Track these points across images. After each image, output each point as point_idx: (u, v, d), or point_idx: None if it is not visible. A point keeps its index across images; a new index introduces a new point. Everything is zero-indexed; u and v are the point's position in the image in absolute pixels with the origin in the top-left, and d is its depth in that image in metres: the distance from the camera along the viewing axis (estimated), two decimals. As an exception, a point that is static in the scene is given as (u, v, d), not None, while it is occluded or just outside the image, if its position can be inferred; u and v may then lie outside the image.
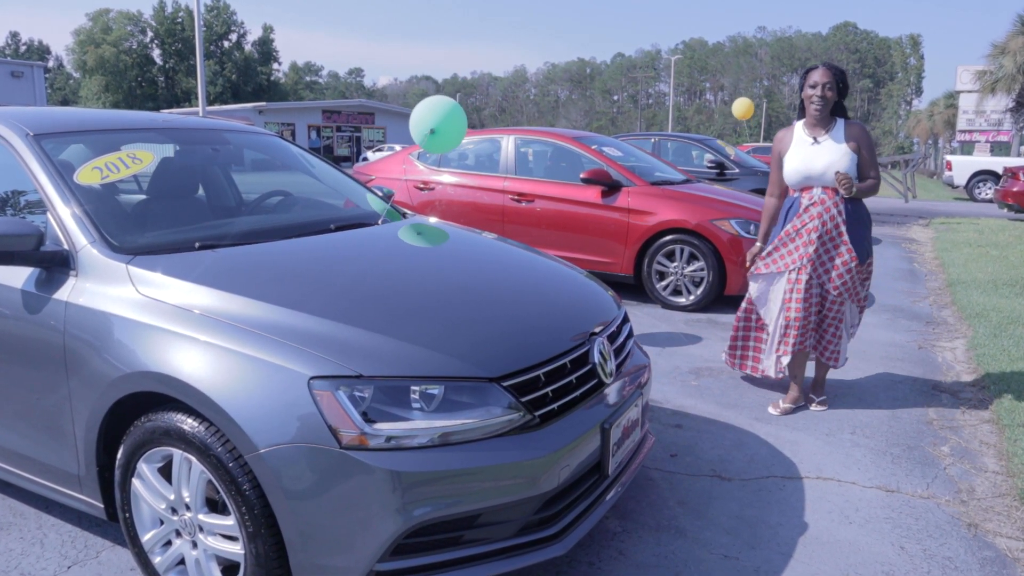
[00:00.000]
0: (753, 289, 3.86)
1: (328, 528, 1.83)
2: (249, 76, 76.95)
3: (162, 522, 2.15)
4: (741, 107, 14.85)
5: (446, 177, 6.80)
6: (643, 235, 6.03)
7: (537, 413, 2.04)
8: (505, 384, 2.00)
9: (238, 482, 1.87)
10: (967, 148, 31.70)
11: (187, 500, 2.05)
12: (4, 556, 2.42)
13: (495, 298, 2.42)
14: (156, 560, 2.17)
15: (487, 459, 1.90)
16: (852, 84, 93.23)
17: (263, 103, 45.85)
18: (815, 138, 3.57)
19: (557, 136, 6.83)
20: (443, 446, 1.88)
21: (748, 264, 3.88)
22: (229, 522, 1.96)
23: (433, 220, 3.47)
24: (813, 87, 3.52)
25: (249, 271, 2.28)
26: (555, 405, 2.11)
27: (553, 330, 2.30)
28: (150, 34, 76.28)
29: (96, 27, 72.51)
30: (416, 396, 1.90)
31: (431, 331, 2.07)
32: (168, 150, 3.14)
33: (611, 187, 6.16)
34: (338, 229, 2.88)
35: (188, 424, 1.95)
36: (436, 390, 1.92)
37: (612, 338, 2.54)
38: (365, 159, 33.05)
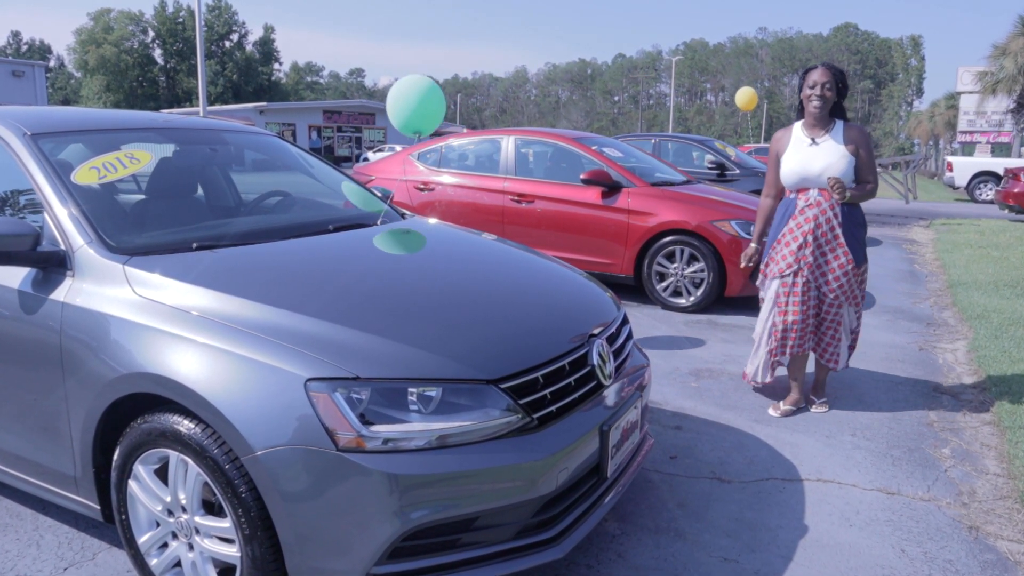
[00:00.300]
0: (762, 292, 3.83)
1: (325, 531, 1.82)
2: (250, 76, 77.00)
3: (158, 524, 2.14)
4: (744, 97, 14.81)
5: (446, 178, 6.79)
6: (643, 236, 6.02)
7: (535, 415, 2.03)
8: (503, 386, 1.99)
9: (234, 484, 1.86)
10: (968, 149, 31.67)
11: (183, 502, 2.04)
12: (0, 558, 2.41)
13: (493, 299, 2.41)
14: (152, 562, 2.16)
15: (485, 462, 1.89)
16: (853, 85, 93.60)
17: (264, 103, 45.88)
18: (813, 139, 3.55)
19: (557, 137, 6.82)
20: (441, 448, 1.87)
21: (742, 264, 3.86)
22: (225, 524, 1.95)
23: (432, 221, 3.46)
24: (812, 87, 3.50)
25: (246, 272, 2.27)
26: (553, 407, 2.09)
27: (552, 332, 2.29)
28: (151, 34, 76.39)
29: (97, 27, 72.57)
30: (413, 398, 1.89)
31: (429, 333, 2.06)
32: (167, 150, 3.13)
33: (611, 188, 6.15)
34: (336, 230, 2.87)
35: (184, 426, 1.94)
36: (434, 392, 1.91)
37: (611, 340, 2.53)
38: (366, 159, 33.05)
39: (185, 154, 3.27)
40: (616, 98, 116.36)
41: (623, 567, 2.39)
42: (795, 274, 3.60)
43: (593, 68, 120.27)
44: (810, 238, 3.55)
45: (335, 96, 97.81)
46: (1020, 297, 6.51)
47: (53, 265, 2.25)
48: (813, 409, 3.79)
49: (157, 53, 77.04)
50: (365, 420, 1.83)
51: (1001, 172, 17.78)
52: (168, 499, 2.07)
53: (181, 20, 74.95)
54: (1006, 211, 14.64)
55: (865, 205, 3.72)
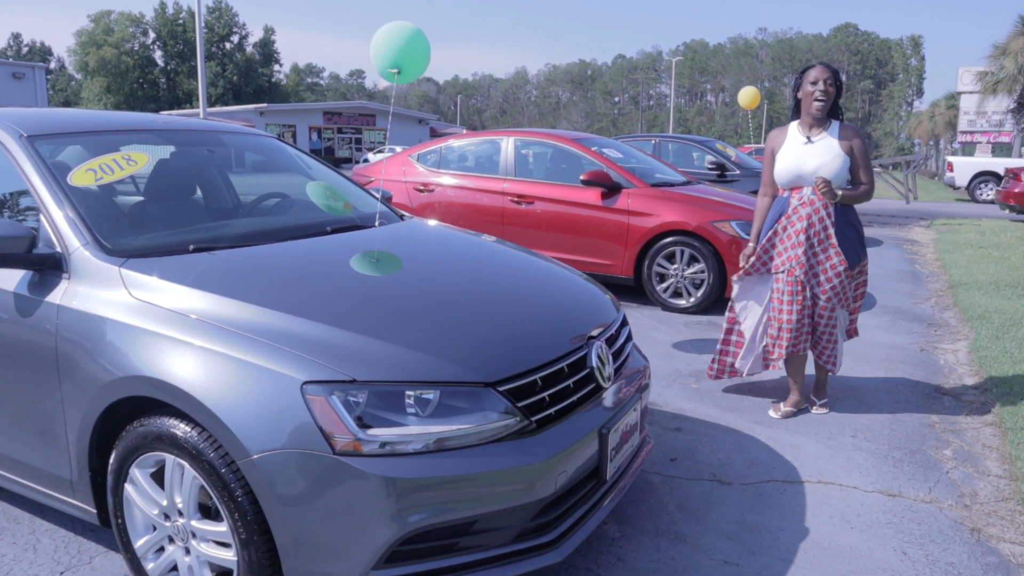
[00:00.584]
0: (736, 289, 3.82)
1: (322, 535, 1.81)
2: (250, 78, 77.05)
3: (155, 528, 2.13)
4: (747, 96, 14.77)
5: (446, 179, 6.78)
6: (643, 237, 6.00)
7: (534, 418, 2.01)
8: (501, 389, 1.97)
9: (231, 488, 1.85)
10: (968, 149, 31.65)
11: (180, 506, 2.03)
12: (-4, 562, 2.40)
13: (492, 301, 2.40)
14: (149, 566, 2.15)
15: (483, 465, 1.87)
16: (853, 85, 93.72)
17: (264, 104, 45.93)
18: (809, 137, 3.54)
19: (557, 138, 6.81)
20: (438, 452, 1.86)
21: (741, 264, 3.82)
22: (222, 528, 1.93)
23: (430, 222, 3.44)
24: (814, 83, 3.49)
25: (243, 274, 2.26)
26: (552, 410, 2.08)
27: (550, 333, 2.27)
28: (152, 35, 76.43)
29: (98, 28, 72.63)
30: (411, 401, 1.88)
31: (427, 335, 2.05)
32: (164, 152, 3.12)
33: (611, 189, 6.14)
34: (334, 232, 2.86)
35: (180, 429, 1.92)
36: (431, 395, 1.90)
37: (610, 341, 2.52)
38: (366, 160, 33.06)
39: (183, 156, 3.26)
40: (616, 99, 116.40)
41: (623, 570, 2.38)
42: (787, 272, 3.59)
43: (593, 69, 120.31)
44: (803, 237, 3.53)
45: (335, 97, 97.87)
46: (1021, 297, 6.49)
47: (49, 267, 2.24)
48: (814, 411, 3.77)
49: (157, 55, 77.11)
50: (362, 423, 1.82)
51: (1002, 172, 17.75)
52: (164, 503, 2.06)
53: (181, 22, 75.00)
54: (1007, 211, 14.62)
55: (866, 205, 3.71)
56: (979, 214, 15.87)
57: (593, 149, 6.58)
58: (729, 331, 3.90)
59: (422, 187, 6.83)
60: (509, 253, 3.02)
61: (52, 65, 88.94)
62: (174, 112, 41.93)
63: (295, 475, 1.79)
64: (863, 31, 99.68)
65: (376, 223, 3.09)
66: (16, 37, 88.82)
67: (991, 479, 3.07)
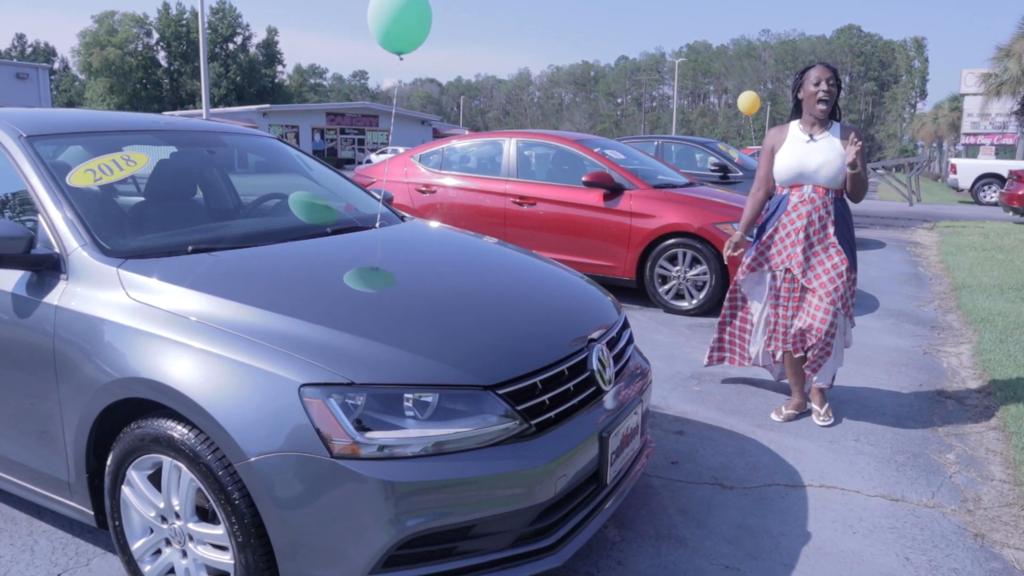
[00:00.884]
0: (742, 286, 3.82)
1: (319, 538, 1.79)
2: (253, 78, 77.18)
3: (152, 530, 2.12)
4: (747, 101, 14.77)
5: (448, 180, 6.77)
6: (645, 239, 5.99)
7: (533, 421, 2.00)
8: (501, 392, 1.96)
9: (227, 491, 1.84)
10: (972, 151, 31.61)
11: (177, 508, 2.01)
12: (-7, 563, 2.39)
13: (492, 303, 2.38)
14: (146, 569, 2.14)
15: (482, 469, 1.86)
16: (856, 87, 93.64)
17: (267, 105, 46.02)
18: (811, 136, 3.53)
19: (559, 139, 6.79)
20: (437, 455, 1.84)
21: (726, 252, 3.75)
22: (219, 531, 1.92)
23: (431, 224, 3.43)
24: (817, 83, 3.47)
25: (241, 275, 2.24)
26: (552, 413, 2.06)
27: (551, 336, 2.26)
28: (155, 36, 76.57)
29: (102, 29, 72.79)
30: (410, 404, 1.86)
31: (426, 337, 2.03)
32: (164, 152, 3.11)
33: (613, 190, 6.12)
34: (334, 233, 2.85)
35: (178, 431, 1.91)
36: (430, 398, 1.88)
37: (611, 344, 2.50)
38: (368, 161, 33.06)
39: (183, 156, 3.25)
40: (619, 100, 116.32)
41: (623, 574, 2.36)
42: (786, 270, 3.57)
43: (596, 70, 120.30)
44: (802, 235, 3.51)
45: (338, 98, 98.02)
46: (1025, 300, 6.46)
47: (47, 268, 2.23)
48: (817, 420, 3.66)
49: (161, 55, 77.26)
50: (360, 426, 1.80)
51: (1005, 174, 17.71)
52: (161, 505, 2.04)
53: (185, 23, 75.12)
54: (1010, 213, 14.58)
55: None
56: (983, 216, 15.82)
57: (595, 150, 6.57)
58: (723, 321, 3.94)
59: (424, 188, 6.82)
60: (509, 255, 3.01)
61: (56, 66, 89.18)
62: (177, 113, 42.04)
63: (292, 478, 1.78)
64: (866, 33, 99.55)
65: (377, 224, 3.07)
66: (20, 38, 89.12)
67: (995, 484, 3.05)
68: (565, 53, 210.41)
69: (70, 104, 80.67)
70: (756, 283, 3.78)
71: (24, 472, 2.35)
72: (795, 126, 3.61)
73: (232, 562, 1.91)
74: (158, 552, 2.13)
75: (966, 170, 20.89)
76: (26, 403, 2.23)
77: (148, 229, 2.66)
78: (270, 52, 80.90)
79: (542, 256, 3.16)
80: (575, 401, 2.16)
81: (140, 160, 2.74)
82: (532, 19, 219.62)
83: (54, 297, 2.17)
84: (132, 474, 2.07)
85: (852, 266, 3.52)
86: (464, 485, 1.84)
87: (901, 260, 9.12)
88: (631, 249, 6.05)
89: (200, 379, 1.87)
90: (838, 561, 2.47)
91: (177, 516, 2.03)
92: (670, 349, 4.93)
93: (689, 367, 4.52)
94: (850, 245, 3.55)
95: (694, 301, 5.90)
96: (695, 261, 5.87)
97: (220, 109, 45.09)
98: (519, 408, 1.98)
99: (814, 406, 3.72)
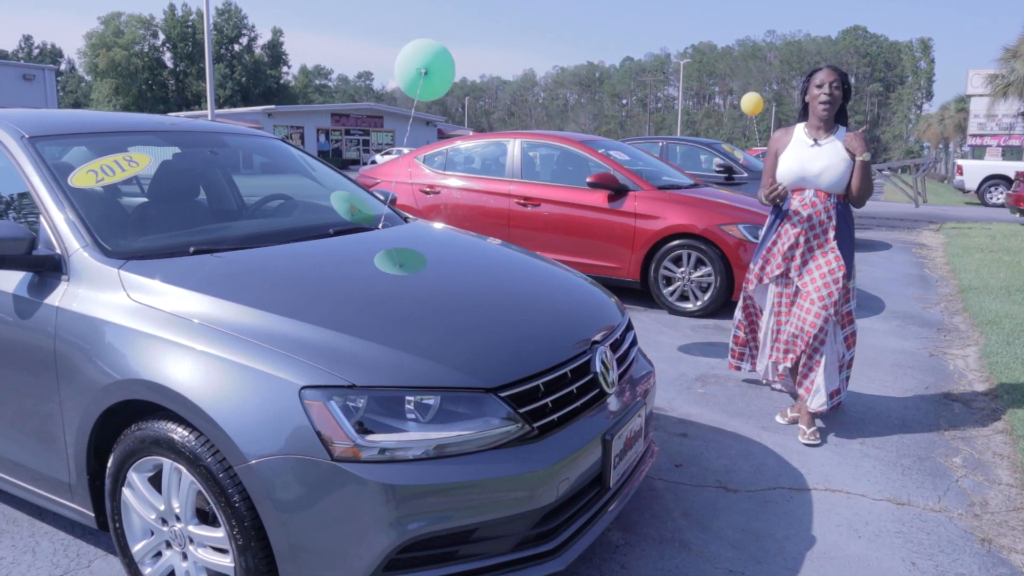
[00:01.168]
0: (753, 295, 3.79)
1: (319, 541, 1.78)
2: (258, 79, 77.37)
3: (152, 533, 2.11)
4: (750, 102, 14.76)
5: (452, 180, 6.76)
6: (650, 240, 5.97)
7: (536, 424, 1.98)
8: (503, 394, 1.94)
9: (228, 493, 1.83)
10: (978, 152, 31.46)
11: (177, 511, 2.01)
12: (-5, 565, 2.38)
13: (494, 305, 2.37)
14: (146, 571, 2.13)
15: (484, 472, 1.84)
16: (862, 88, 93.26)
17: (272, 106, 46.16)
18: (815, 140, 3.50)
19: (564, 140, 6.78)
20: (438, 458, 1.83)
21: (765, 196, 3.54)
22: (219, 534, 1.91)
23: (434, 225, 3.42)
24: (820, 86, 3.44)
25: (243, 277, 2.23)
26: (555, 416, 2.05)
27: (554, 338, 2.24)
28: (161, 37, 76.82)
29: (108, 30, 73.02)
30: (411, 406, 1.85)
31: (427, 339, 2.02)
32: (167, 153, 3.10)
33: (618, 191, 6.11)
34: (337, 234, 2.84)
35: (178, 433, 1.90)
36: (432, 400, 1.87)
37: (615, 346, 2.48)
38: (373, 162, 33.11)
39: (186, 157, 3.24)
40: (624, 101, 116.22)
41: (626, 579, 2.34)
42: (785, 275, 3.55)
43: (601, 71, 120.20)
44: (802, 239, 3.48)
45: (343, 99, 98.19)
46: (1032, 302, 6.42)
47: (48, 269, 2.23)
48: (801, 439, 3.44)
49: (167, 56, 77.48)
50: (361, 429, 1.79)
51: (1012, 176, 17.64)
52: (162, 508, 2.04)
53: (191, 24, 75.33)
54: (1017, 215, 14.50)
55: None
56: (989, 218, 15.75)
57: (600, 151, 6.55)
58: (742, 326, 3.90)
59: (428, 189, 6.81)
60: (513, 256, 2.99)
61: (62, 67, 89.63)
62: (182, 113, 42.13)
63: (292, 481, 1.76)
64: (872, 34, 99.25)
65: (380, 225, 3.06)
66: (27, 39, 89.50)
67: (1002, 488, 3.02)
68: (570, 54, 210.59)
69: (76, 105, 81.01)
70: (764, 292, 3.75)
71: (25, 473, 2.34)
72: (800, 129, 3.58)
73: (232, 565, 1.90)
74: (159, 554, 2.12)
75: (972, 171, 20.81)
76: (27, 404, 2.22)
77: (150, 230, 2.65)
78: (275, 53, 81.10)
79: (545, 257, 3.14)
80: (578, 404, 2.15)
81: (142, 161, 2.73)
82: (537, 20, 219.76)
83: (55, 298, 2.17)
84: (133, 476, 2.06)
85: (849, 274, 3.45)
86: (466, 488, 1.82)
87: (907, 262, 9.08)
88: (635, 250, 6.03)
89: (201, 381, 1.86)
90: (843, 566, 2.45)
91: (177, 518, 2.02)
92: (674, 351, 4.91)
93: (693, 369, 4.50)
94: (850, 252, 3.50)
95: (699, 303, 5.87)
96: (700, 262, 5.85)
97: (225, 110, 45.22)
98: (521, 411, 1.96)
99: (801, 425, 3.49)
